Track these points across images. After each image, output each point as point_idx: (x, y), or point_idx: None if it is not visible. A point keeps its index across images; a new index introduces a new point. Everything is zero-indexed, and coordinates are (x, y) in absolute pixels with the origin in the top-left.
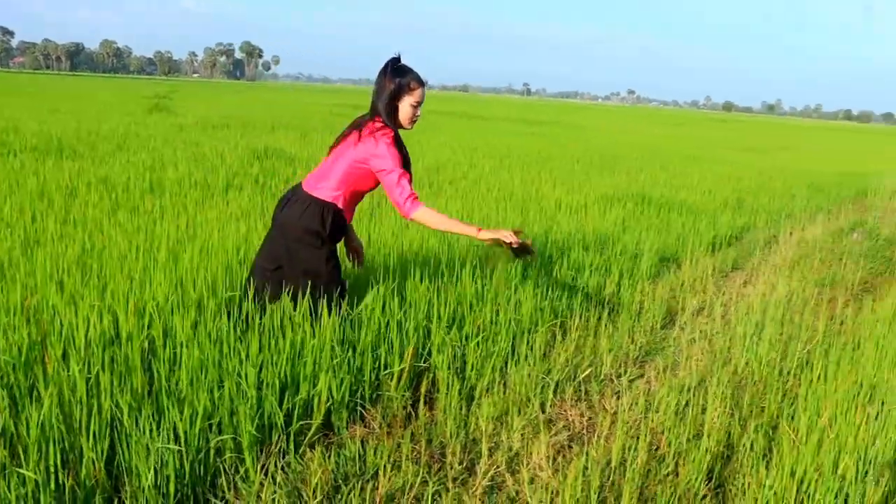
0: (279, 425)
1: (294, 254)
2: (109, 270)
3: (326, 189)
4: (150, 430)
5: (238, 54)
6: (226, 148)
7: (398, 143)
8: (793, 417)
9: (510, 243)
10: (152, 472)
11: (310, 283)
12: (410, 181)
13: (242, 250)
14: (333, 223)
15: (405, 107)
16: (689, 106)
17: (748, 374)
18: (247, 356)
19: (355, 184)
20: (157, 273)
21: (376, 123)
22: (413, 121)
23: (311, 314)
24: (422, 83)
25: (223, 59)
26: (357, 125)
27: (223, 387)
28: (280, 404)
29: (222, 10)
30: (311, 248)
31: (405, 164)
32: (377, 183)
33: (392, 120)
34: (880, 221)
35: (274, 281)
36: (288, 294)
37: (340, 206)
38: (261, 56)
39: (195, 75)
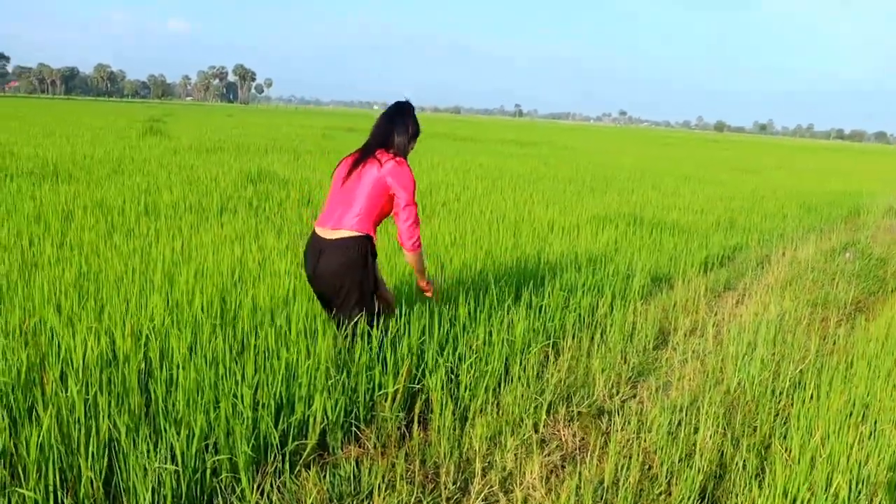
0: (275, 445)
1: (350, 288)
2: (106, 293)
3: (355, 222)
4: (148, 451)
5: (231, 77)
6: (220, 171)
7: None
8: (785, 437)
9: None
10: (150, 491)
11: (367, 300)
12: (418, 218)
13: (237, 272)
14: (371, 251)
15: (411, 148)
16: (680, 126)
17: (740, 393)
18: (242, 377)
19: (379, 209)
20: (154, 295)
21: (389, 153)
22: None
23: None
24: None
25: (216, 82)
26: (368, 155)
27: (219, 407)
28: (276, 424)
29: (215, 34)
30: (362, 277)
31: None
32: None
33: (405, 154)
34: (872, 241)
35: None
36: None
37: (372, 234)
38: (254, 79)
39: (188, 98)
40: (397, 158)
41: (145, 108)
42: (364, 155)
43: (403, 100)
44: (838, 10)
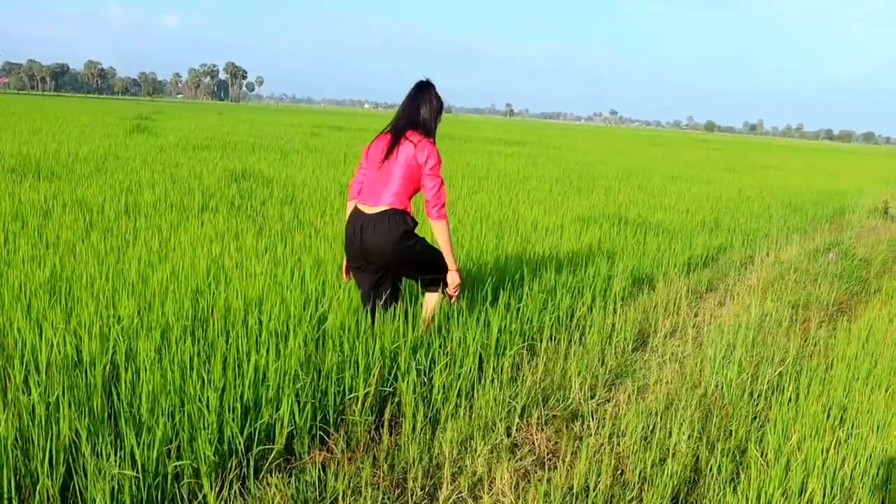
0: (240, 450)
1: (404, 258)
2: (78, 293)
3: (394, 199)
4: (108, 456)
5: (222, 75)
6: (204, 169)
7: None
8: (761, 441)
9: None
10: (107, 498)
11: (420, 267)
12: (445, 191)
13: (213, 272)
14: (412, 219)
15: (438, 122)
16: (671, 126)
17: (718, 396)
18: (209, 380)
19: (413, 187)
20: (125, 296)
21: (419, 132)
22: None
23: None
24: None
25: (207, 79)
26: (400, 136)
27: (184, 411)
28: (242, 429)
29: (207, 32)
30: (411, 247)
31: None
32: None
33: (430, 132)
34: (856, 241)
35: (381, 281)
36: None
37: (408, 208)
38: (245, 77)
39: (179, 96)
40: (427, 139)
41: (135, 105)
42: (396, 136)
43: (424, 79)
44: (829, 11)
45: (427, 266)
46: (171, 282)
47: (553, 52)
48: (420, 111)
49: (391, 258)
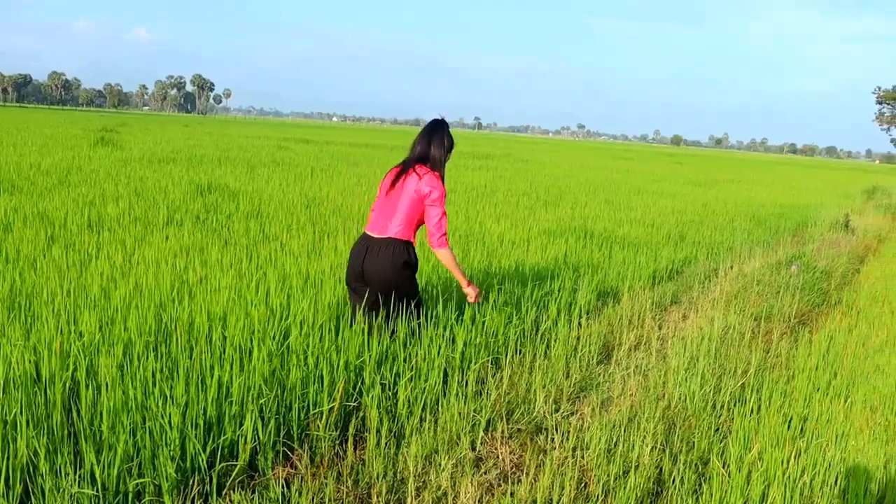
0: (202, 467)
1: (396, 287)
2: (38, 308)
3: (399, 229)
4: (67, 475)
5: (189, 87)
6: (169, 183)
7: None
8: (723, 452)
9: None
10: None
11: (404, 302)
12: (446, 222)
13: (177, 286)
14: (415, 254)
15: (447, 160)
16: (638, 139)
17: (681, 409)
18: (171, 396)
19: (418, 217)
20: (87, 312)
21: (426, 166)
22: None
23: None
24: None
25: (174, 91)
26: (408, 168)
27: (145, 428)
28: (204, 445)
29: (174, 44)
30: (407, 279)
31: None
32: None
33: (440, 167)
34: (817, 254)
35: (375, 307)
36: (389, 313)
37: (412, 240)
38: (212, 89)
39: (145, 108)
40: (433, 172)
41: (100, 117)
42: (405, 168)
43: (439, 117)
44: (794, 30)
45: (407, 303)
46: (134, 297)
47: (521, 67)
48: (431, 147)
49: (387, 285)
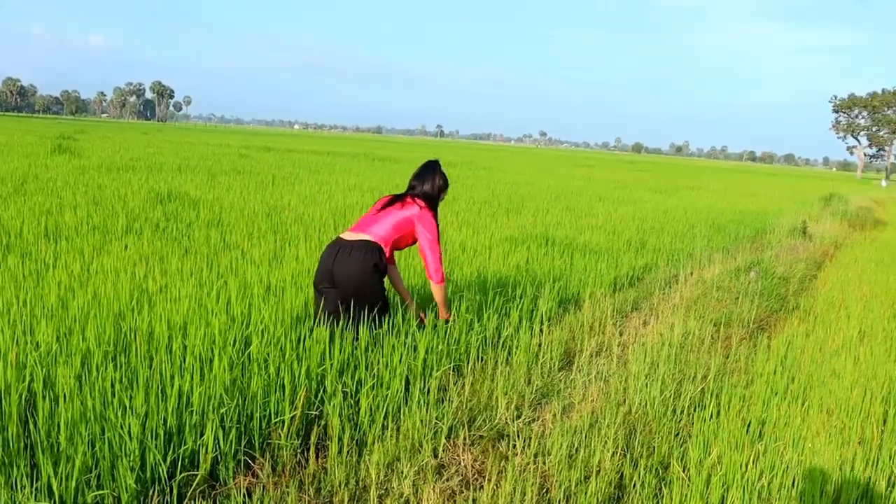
0: (163, 477)
1: (364, 289)
2: None
3: (379, 236)
4: (23, 487)
5: (149, 94)
6: (129, 191)
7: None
8: (683, 457)
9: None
10: None
11: (367, 306)
12: (442, 257)
13: (136, 296)
14: (383, 259)
15: (442, 197)
16: (599, 147)
17: (642, 414)
18: (131, 407)
19: (399, 236)
20: (44, 322)
21: (419, 201)
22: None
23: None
24: (448, 185)
25: (133, 98)
26: (400, 198)
27: (104, 439)
28: (165, 456)
29: (132, 51)
30: (374, 283)
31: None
32: (411, 243)
33: (433, 204)
34: (776, 260)
35: (339, 310)
36: (351, 318)
37: (386, 251)
38: (172, 96)
39: (104, 115)
40: (429, 209)
41: (57, 124)
42: (402, 195)
43: (434, 159)
44: (753, 40)
45: (370, 308)
46: (92, 306)
47: (483, 76)
48: (424, 185)
49: (354, 287)
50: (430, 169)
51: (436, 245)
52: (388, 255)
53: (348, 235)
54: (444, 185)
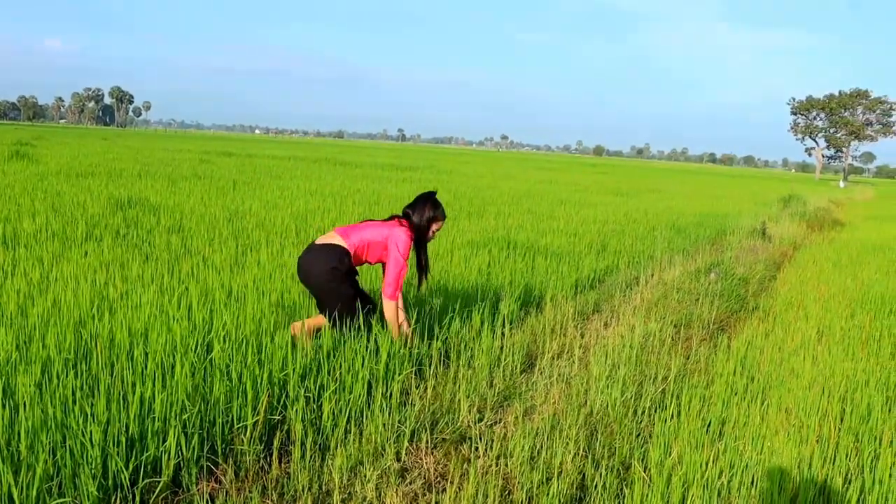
0: (125, 484)
1: (321, 288)
2: None
3: (347, 241)
4: None
5: (108, 99)
6: (88, 197)
7: (417, 244)
8: (644, 457)
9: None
10: None
11: (328, 306)
12: (403, 277)
13: (97, 303)
14: (344, 262)
15: (432, 228)
16: (561, 150)
17: (603, 415)
18: (92, 414)
19: (369, 246)
20: (2, 330)
21: (404, 223)
22: (431, 239)
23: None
24: (445, 217)
25: (92, 104)
26: (392, 218)
27: (65, 447)
28: (127, 463)
29: (90, 55)
30: (332, 283)
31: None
32: (379, 260)
33: (419, 232)
34: (735, 261)
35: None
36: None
37: (351, 252)
38: (131, 102)
39: (62, 121)
40: (409, 232)
41: (14, 130)
42: (390, 218)
43: (433, 191)
44: (711, 44)
45: (331, 304)
46: (52, 314)
47: (445, 79)
48: (414, 214)
49: (315, 287)
50: (423, 200)
51: (400, 263)
52: (352, 256)
53: (321, 238)
54: (435, 217)
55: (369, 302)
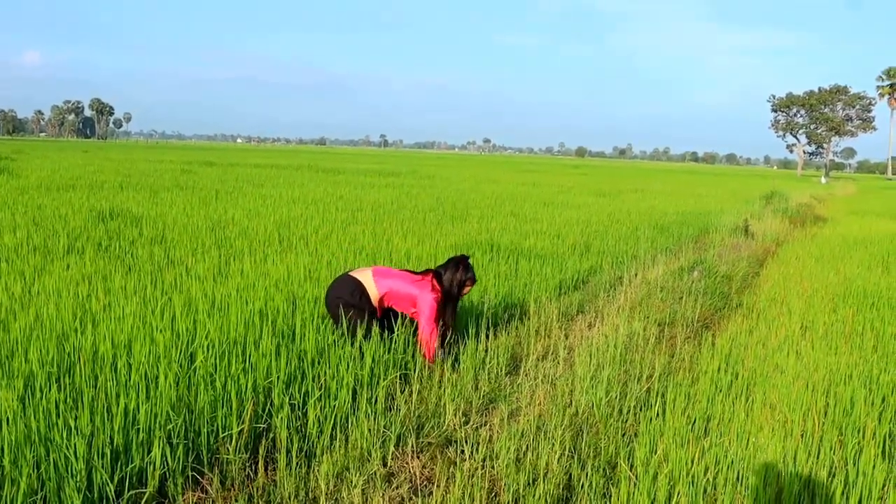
0: (110, 496)
1: (332, 316)
2: None
3: (374, 279)
4: None
5: (88, 112)
6: (69, 210)
7: (444, 302)
8: (630, 456)
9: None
10: None
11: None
12: (435, 339)
13: (79, 315)
14: (355, 297)
15: (462, 290)
16: (543, 152)
17: (589, 415)
18: (76, 427)
19: (395, 295)
20: None
21: (435, 284)
22: (460, 297)
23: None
24: (476, 282)
25: (72, 117)
26: (427, 273)
27: (50, 460)
28: (112, 474)
29: (70, 68)
30: (340, 315)
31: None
32: (405, 312)
33: (448, 291)
34: (718, 259)
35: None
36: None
37: (378, 294)
38: (112, 113)
39: (42, 134)
40: (437, 292)
41: None
42: (425, 273)
43: (466, 255)
44: (691, 44)
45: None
46: (35, 328)
47: (427, 84)
48: (444, 275)
49: (330, 313)
50: (455, 263)
51: (432, 323)
52: (375, 302)
53: (355, 269)
54: (465, 280)
55: (391, 332)
